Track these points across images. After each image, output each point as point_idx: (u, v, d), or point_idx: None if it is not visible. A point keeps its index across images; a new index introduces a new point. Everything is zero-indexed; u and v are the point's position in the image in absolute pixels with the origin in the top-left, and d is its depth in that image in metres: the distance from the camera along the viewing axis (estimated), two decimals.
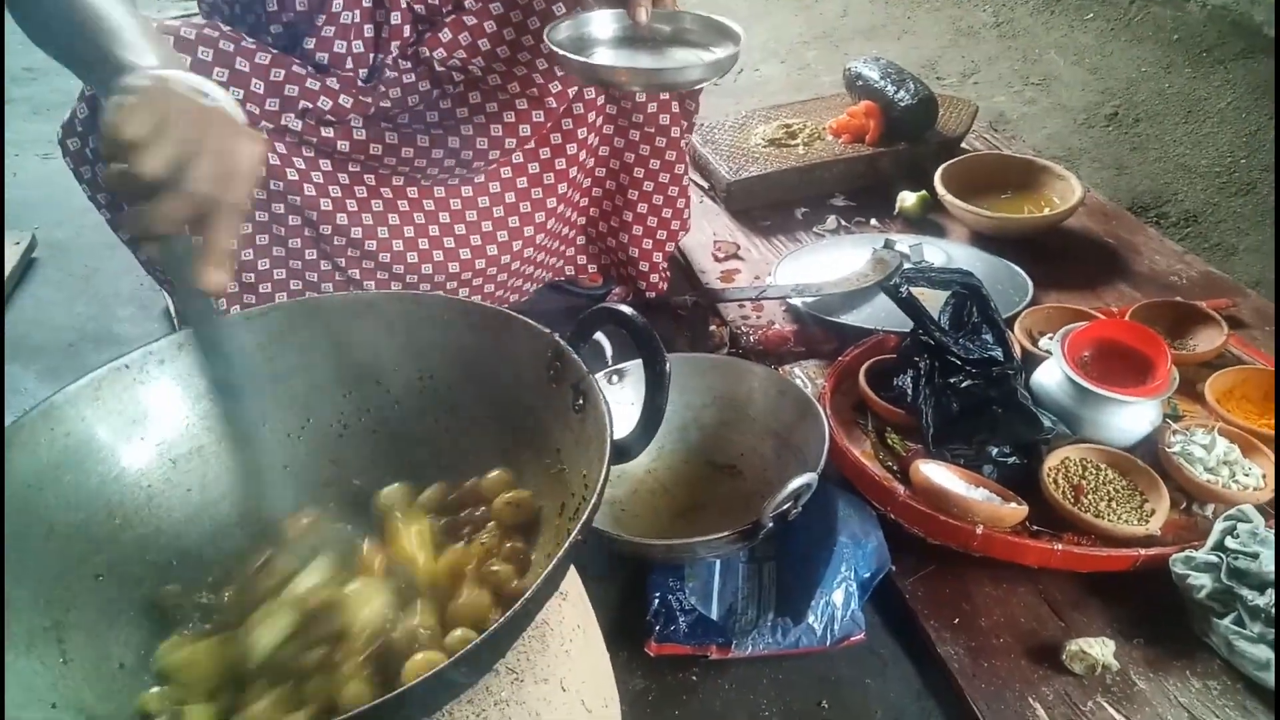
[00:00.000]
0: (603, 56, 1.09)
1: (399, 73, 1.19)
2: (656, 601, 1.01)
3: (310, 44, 1.15)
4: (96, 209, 1.14)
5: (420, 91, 1.20)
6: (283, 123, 1.12)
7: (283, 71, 1.10)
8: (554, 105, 1.25)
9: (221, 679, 0.59)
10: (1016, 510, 1.02)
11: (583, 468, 0.62)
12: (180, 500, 0.68)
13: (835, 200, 1.75)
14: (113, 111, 0.60)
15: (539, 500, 0.67)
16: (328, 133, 1.15)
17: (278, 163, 1.13)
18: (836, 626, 0.98)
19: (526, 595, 0.48)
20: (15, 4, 0.76)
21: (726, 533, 0.98)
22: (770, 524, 0.98)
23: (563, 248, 1.46)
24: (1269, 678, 0.89)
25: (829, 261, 1.51)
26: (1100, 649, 0.93)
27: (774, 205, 1.73)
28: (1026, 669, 0.94)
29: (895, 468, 1.12)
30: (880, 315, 1.35)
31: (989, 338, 1.16)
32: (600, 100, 1.31)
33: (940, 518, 1.01)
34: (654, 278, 1.47)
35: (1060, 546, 0.99)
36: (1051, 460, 1.08)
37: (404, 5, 1.16)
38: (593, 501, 0.54)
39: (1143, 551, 0.99)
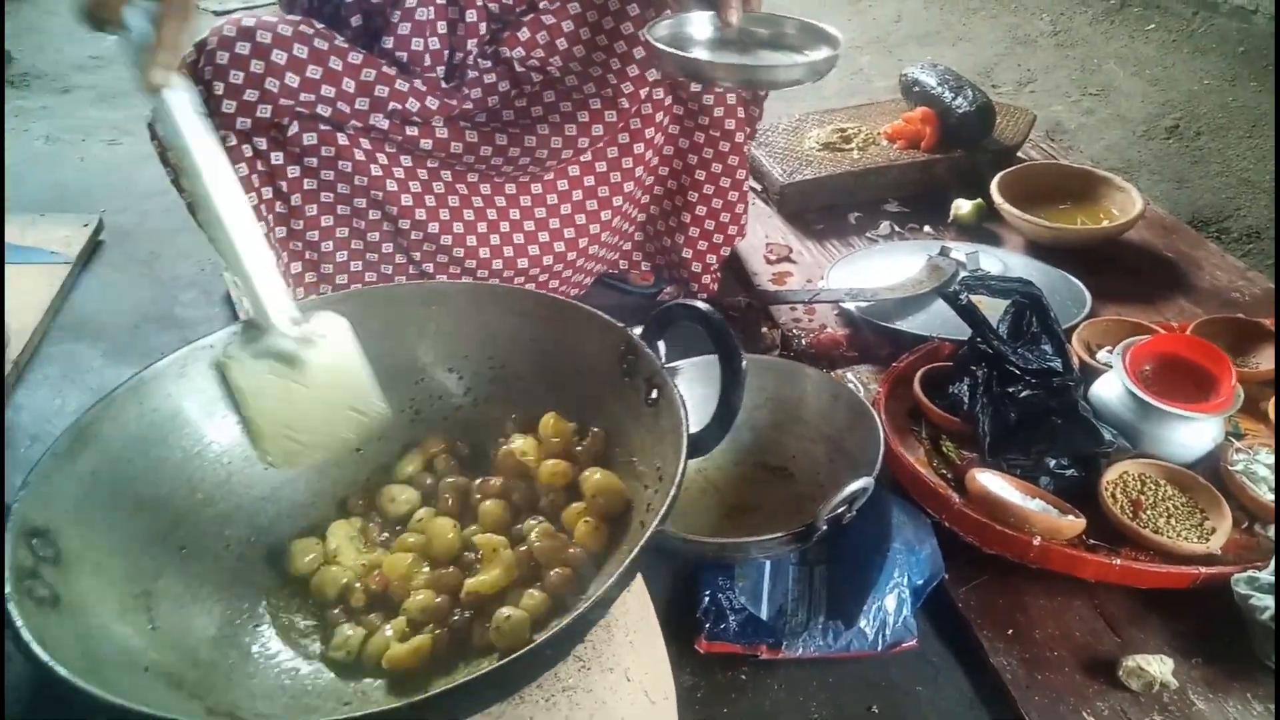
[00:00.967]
0: (699, 55, 1.10)
1: (479, 72, 1.21)
2: (707, 599, 1.02)
3: (389, 42, 1.17)
4: (179, 193, 1.16)
5: (500, 92, 1.22)
6: (370, 121, 1.15)
7: (374, 72, 1.13)
8: (626, 105, 1.26)
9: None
10: (1075, 523, 1.01)
11: (656, 460, 0.62)
12: (258, 478, 0.70)
13: (888, 206, 1.74)
14: None
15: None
16: (411, 131, 1.18)
17: (363, 158, 1.16)
18: (888, 632, 0.98)
19: (610, 581, 0.49)
20: None
21: (781, 534, 0.98)
22: (825, 527, 0.98)
23: (621, 243, 1.48)
24: None
25: (882, 267, 1.51)
26: (1158, 666, 0.92)
27: (827, 209, 1.72)
28: (1081, 683, 0.93)
29: (949, 475, 1.12)
30: (935, 322, 1.34)
31: (1048, 348, 1.14)
32: (668, 101, 1.32)
33: (997, 527, 1.01)
34: (706, 279, 1.48)
35: (1119, 561, 0.98)
36: (1110, 474, 1.07)
37: (479, 3, 1.18)
38: (672, 493, 0.54)
39: (1203, 570, 0.97)
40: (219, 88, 1.08)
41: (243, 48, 1.08)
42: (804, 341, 1.39)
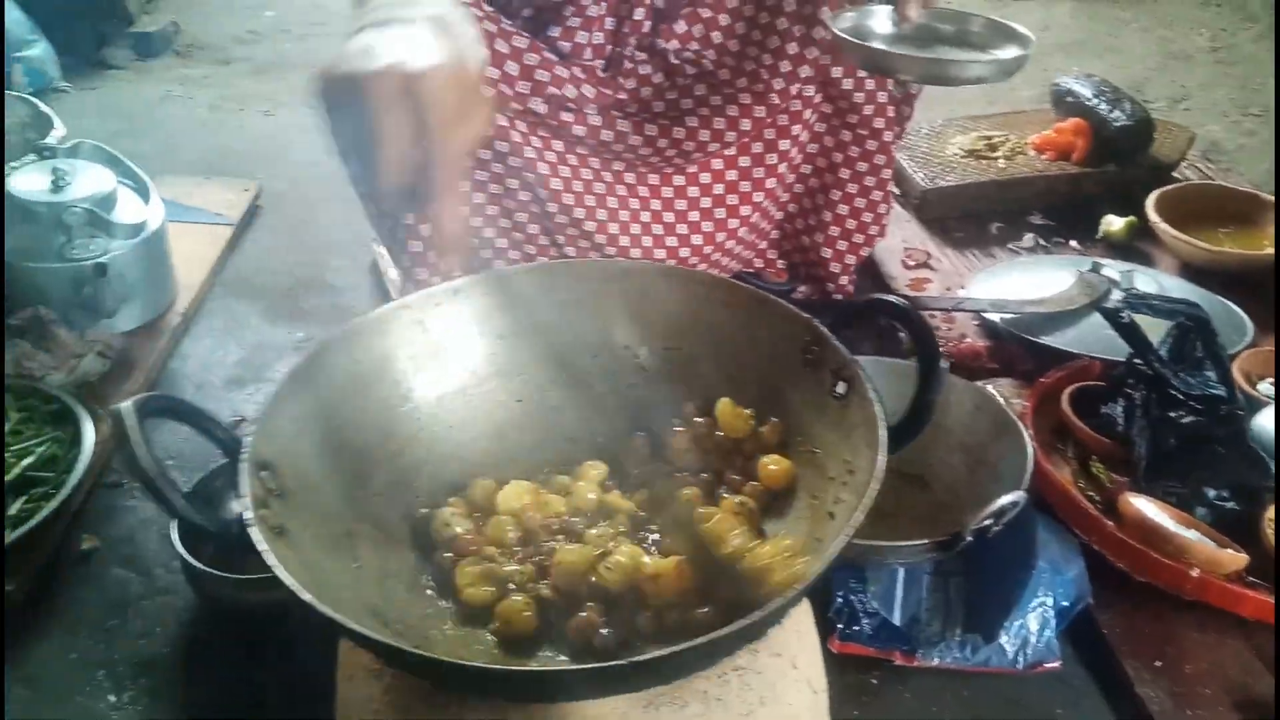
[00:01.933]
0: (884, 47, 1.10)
1: (635, 64, 1.23)
2: (839, 600, 1.01)
3: (555, 33, 1.20)
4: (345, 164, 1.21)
5: (654, 84, 1.24)
6: (529, 105, 1.18)
7: (537, 57, 1.16)
8: (776, 101, 1.26)
9: None
10: (1236, 557, 0.97)
11: (845, 453, 0.63)
12: (444, 435, 0.73)
13: (1032, 218, 1.69)
14: (318, 96, 0.57)
15: None
16: (566, 117, 1.21)
17: (519, 140, 1.19)
18: (1029, 651, 0.96)
19: (821, 566, 0.50)
20: None
21: (924, 541, 0.97)
22: (970, 538, 0.96)
23: (757, 241, 1.47)
24: None
25: (1026, 280, 1.47)
26: None
27: (967, 217, 1.68)
28: None
29: (1098, 498, 1.08)
30: (1086, 339, 1.30)
31: (1212, 374, 1.10)
32: (817, 98, 1.31)
33: (1153, 555, 0.97)
34: (843, 279, 1.47)
35: None
36: (1273, 509, 1.02)
37: (648, 1, 1.20)
38: (874, 487, 0.55)
39: None
40: None
41: None
42: (943, 350, 1.37)
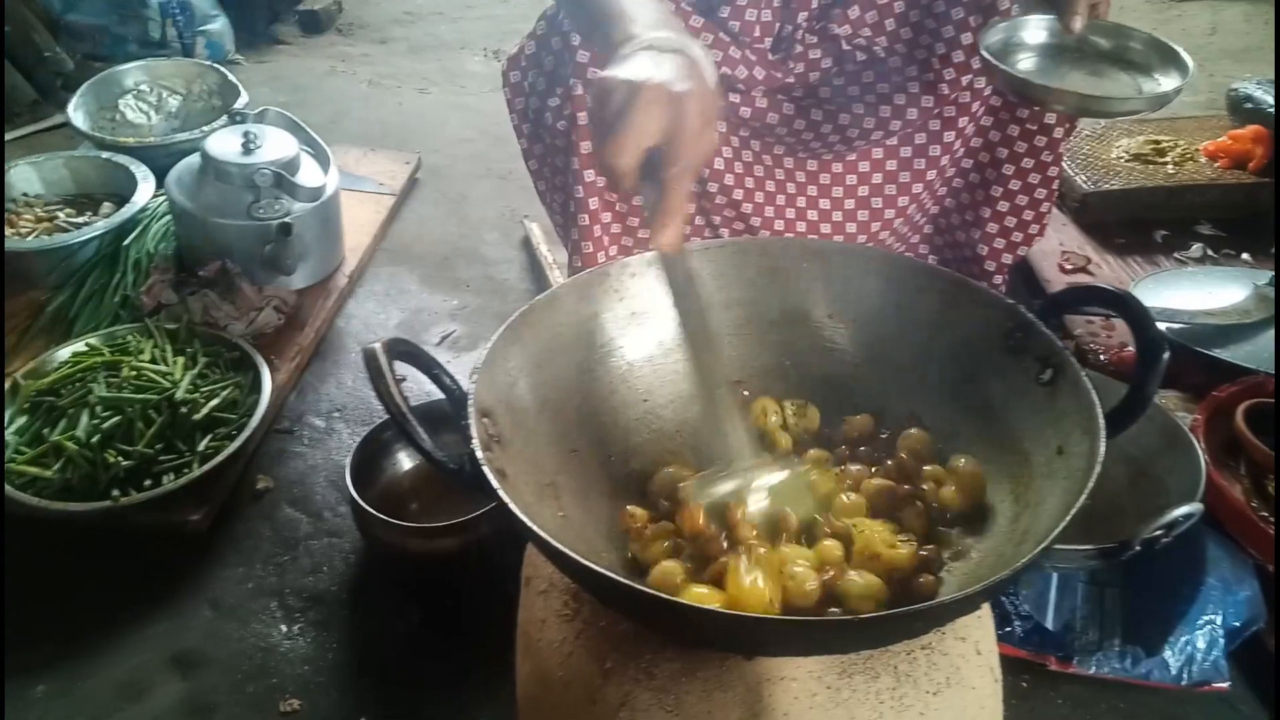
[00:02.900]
0: (1030, 64, 1.07)
1: (804, 47, 1.23)
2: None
3: (725, 11, 1.21)
4: (516, 138, 1.25)
5: (822, 69, 1.23)
6: None
7: (710, 37, 1.17)
8: (945, 91, 1.24)
9: None
10: None
11: (1054, 439, 0.62)
12: (633, 401, 0.75)
13: (1201, 227, 1.61)
14: (596, 93, 0.68)
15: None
16: (733, 98, 1.22)
17: None
18: (1194, 669, 0.93)
19: (1038, 548, 0.50)
20: None
21: (1089, 547, 0.94)
22: (1139, 547, 0.93)
23: (910, 234, 1.45)
24: None
25: (1195, 291, 1.41)
26: None
27: (1130, 223, 1.62)
28: None
29: (1271, 518, 1.03)
30: (1262, 355, 1.24)
31: None
32: (987, 91, 1.28)
33: None
34: (997, 279, 1.43)
35: None
36: None
37: None
38: (1097, 469, 0.54)
39: None
40: (575, 39, 1.15)
41: None
42: (1102, 358, 1.33)
